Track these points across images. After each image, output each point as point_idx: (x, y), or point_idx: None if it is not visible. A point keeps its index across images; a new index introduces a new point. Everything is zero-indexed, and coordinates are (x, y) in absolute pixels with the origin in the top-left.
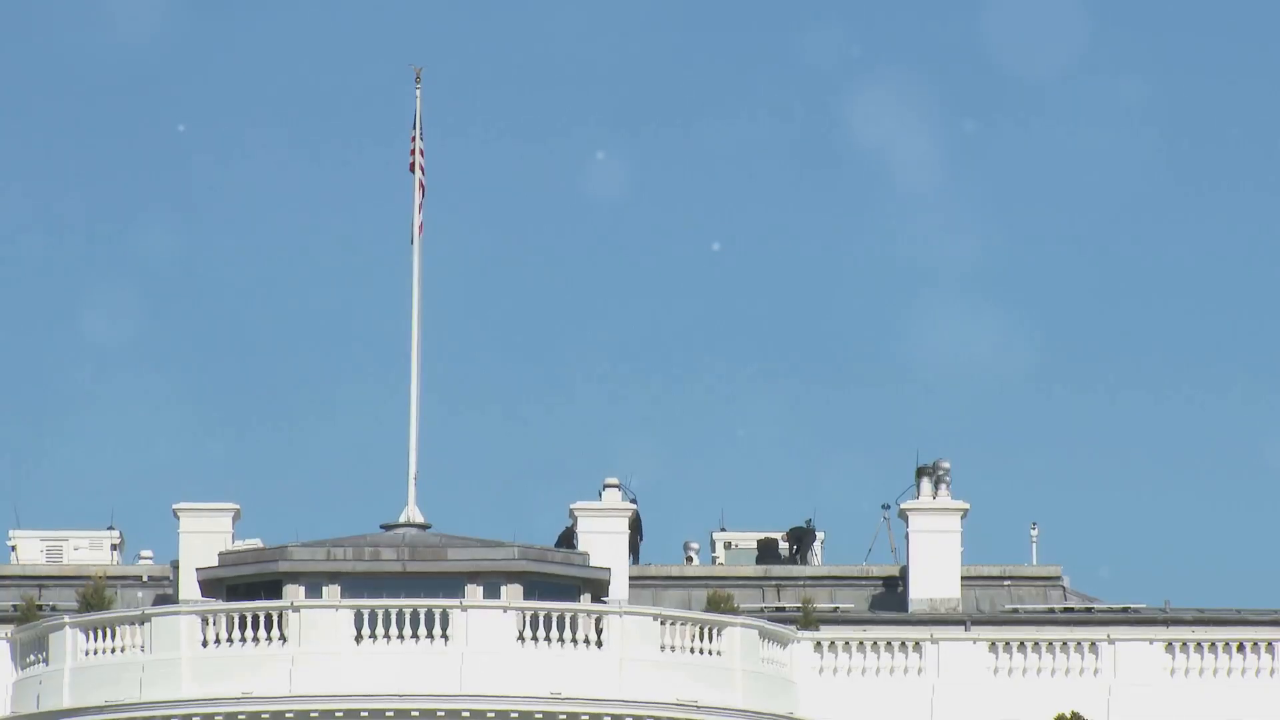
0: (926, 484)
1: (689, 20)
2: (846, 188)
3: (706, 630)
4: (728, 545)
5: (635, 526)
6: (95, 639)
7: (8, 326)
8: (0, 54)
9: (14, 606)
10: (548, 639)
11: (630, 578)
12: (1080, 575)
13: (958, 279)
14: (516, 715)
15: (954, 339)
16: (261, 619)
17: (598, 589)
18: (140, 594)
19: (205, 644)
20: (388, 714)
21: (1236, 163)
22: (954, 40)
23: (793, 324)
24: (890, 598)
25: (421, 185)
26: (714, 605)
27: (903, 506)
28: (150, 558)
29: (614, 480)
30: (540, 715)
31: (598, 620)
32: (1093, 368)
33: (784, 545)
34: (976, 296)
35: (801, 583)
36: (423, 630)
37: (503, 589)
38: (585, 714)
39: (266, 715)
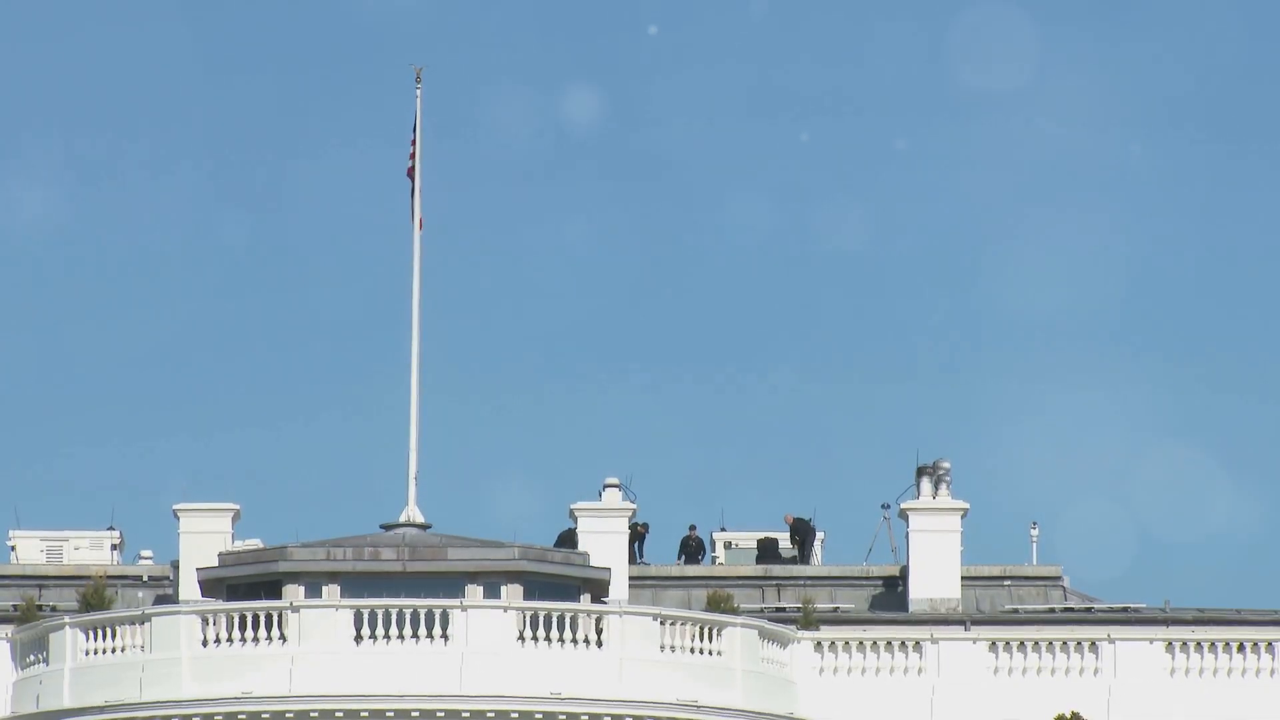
0: (926, 484)
1: (688, 16)
2: (846, 187)
3: (706, 630)
4: (728, 545)
5: (640, 539)
6: (95, 639)
7: (10, 326)
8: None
9: (14, 606)
10: (548, 639)
11: (630, 578)
12: (1080, 575)
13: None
14: (516, 715)
15: (954, 338)
16: (261, 619)
17: (598, 589)
18: (140, 594)
19: (205, 644)
20: (388, 714)
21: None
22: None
23: (792, 323)
24: (890, 598)
25: (418, 187)
26: (714, 605)
27: (903, 506)
28: (150, 558)
29: (614, 480)
30: (540, 715)
31: (598, 620)
32: (1092, 367)
33: (786, 538)
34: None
35: (801, 583)
36: (423, 630)
37: (503, 589)
38: (585, 714)
39: (266, 715)
